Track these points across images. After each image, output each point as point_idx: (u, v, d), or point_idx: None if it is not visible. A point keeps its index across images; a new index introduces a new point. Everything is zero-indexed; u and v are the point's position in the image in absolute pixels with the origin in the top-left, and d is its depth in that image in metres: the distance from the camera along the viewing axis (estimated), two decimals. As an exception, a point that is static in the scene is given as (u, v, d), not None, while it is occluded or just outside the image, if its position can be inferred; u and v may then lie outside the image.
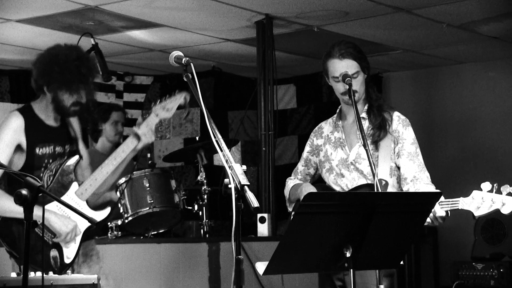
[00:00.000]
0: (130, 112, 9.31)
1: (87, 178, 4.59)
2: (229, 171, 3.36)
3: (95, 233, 4.85)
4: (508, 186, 4.04)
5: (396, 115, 4.49)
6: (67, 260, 4.41)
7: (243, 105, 9.06)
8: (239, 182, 3.30)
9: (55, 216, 4.37)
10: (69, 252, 4.39)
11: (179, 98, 4.82)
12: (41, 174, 4.50)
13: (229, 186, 3.30)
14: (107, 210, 4.57)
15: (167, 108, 4.80)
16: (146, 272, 6.10)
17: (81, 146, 4.74)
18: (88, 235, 4.60)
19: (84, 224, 4.46)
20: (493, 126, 9.35)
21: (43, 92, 4.50)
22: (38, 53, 4.54)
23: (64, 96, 4.44)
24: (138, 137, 4.62)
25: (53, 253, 4.31)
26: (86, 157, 4.75)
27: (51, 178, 4.51)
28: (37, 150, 4.47)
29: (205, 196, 7.11)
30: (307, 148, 4.70)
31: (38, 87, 4.51)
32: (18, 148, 4.46)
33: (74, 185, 4.52)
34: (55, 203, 4.42)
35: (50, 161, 4.51)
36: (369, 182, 4.35)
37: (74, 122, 4.70)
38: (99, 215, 4.52)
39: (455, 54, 9.19)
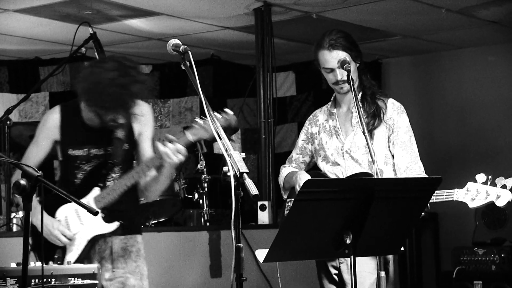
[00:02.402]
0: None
1: (109, 186, 4.32)
2: (228, 159, 3.36)
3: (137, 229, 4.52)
4: (503, 178, 4.06)
5: (391, 102, 4.47)
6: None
7: (242, 93, 9.07)
8: (238, 170, 3.30)
9: (45, 217, 4.24)
10: (70, 257, 4.25)
11: (224, 120, 4.23)
12: (74, 176, 4.35)
13: (228, 174, 3.31)
14: (115, 225, 4.29)
15: (207, 129, 4.19)
16: (147, 261, 6.11)
17: (142, 140, 4.38)
18: (131, 229, 4.41)
19: (91, 231, 4.28)
20: (493, 111, 9.34)
21: None
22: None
23: (101, 113, 4.17)
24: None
25: (58, 254, 4.21)
26: (147, 152, 4.36)
27: (82, 179, 4.36)
28: (69, 151, 4.32)
29: (205, 185, 7.13)
30: (302, 136, 4.69)
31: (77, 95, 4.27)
32: (58, 143, 4.36)
33: (95, 190, 4.30)
34: (72, 204, 4.29)
35: (84, 162, 4.33)
36: (364, 170, 4.35)
37: (140, 121, 4.36)
38: (106, 228, 4.28)
39: (454, 39, 9.18)
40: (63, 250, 4.29)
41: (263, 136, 7.87)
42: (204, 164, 7.14)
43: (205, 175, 7.14)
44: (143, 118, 4.36)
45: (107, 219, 4.30)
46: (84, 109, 4.26)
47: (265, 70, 7.91)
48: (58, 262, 4.10)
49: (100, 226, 4.30)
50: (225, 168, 3.33)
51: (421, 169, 4.38)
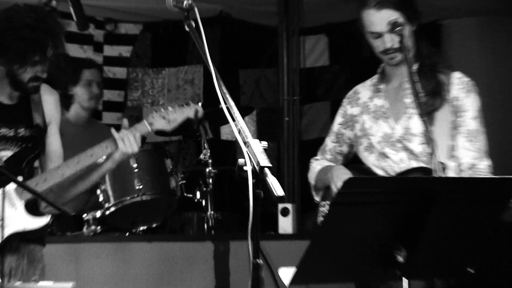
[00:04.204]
0: (113, 70, 9.31)
1: (36, 176, 4.61)
2: (244, 149, 3.35)
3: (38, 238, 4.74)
4: None
5: (456, 77, 4.47)
6: None
7: (259, 62, 9.06)
8: (258, 164, 3.28)
9: None
10: None
11: (188, 111, 4.78)
12: None
13: (245, 168, 3.29)
14: (46, 219, 4.51)
15: (168, 119, 4.74)
16: (133, 279, 6.13)
17: (52, 132, 4.77)
18: (31, 239, 4.64)
19: (10, 227, 4.43)
20: None
21: None
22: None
23: (20, 70, 4.51)
24: (115, 143, 4.59)
25: None
26: (56, 147, 4.76)
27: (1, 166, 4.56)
28: None
29: (210, 180, 7.14)
30: (338, 119, 4.74)
31: None
32: None
33: (18, 179, 4.49)
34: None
35: None
36: (423, 164, 4.34)
37: (49, 102, 4.76)
38: (34, 223, 4.47)
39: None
40: None
41: (286, 119, 7.89)
42: (208, 154, 7.13)
43: (210, 168, 7.14)
44: (52, 106, 4.76)
45: (35, 213, 4.50)
46: None
47: (290, 33, 7.93)
48: None
49: (23, 221, 4.46)
50: (240, 161, 3.33)
51: (489, 169, 4.39)
